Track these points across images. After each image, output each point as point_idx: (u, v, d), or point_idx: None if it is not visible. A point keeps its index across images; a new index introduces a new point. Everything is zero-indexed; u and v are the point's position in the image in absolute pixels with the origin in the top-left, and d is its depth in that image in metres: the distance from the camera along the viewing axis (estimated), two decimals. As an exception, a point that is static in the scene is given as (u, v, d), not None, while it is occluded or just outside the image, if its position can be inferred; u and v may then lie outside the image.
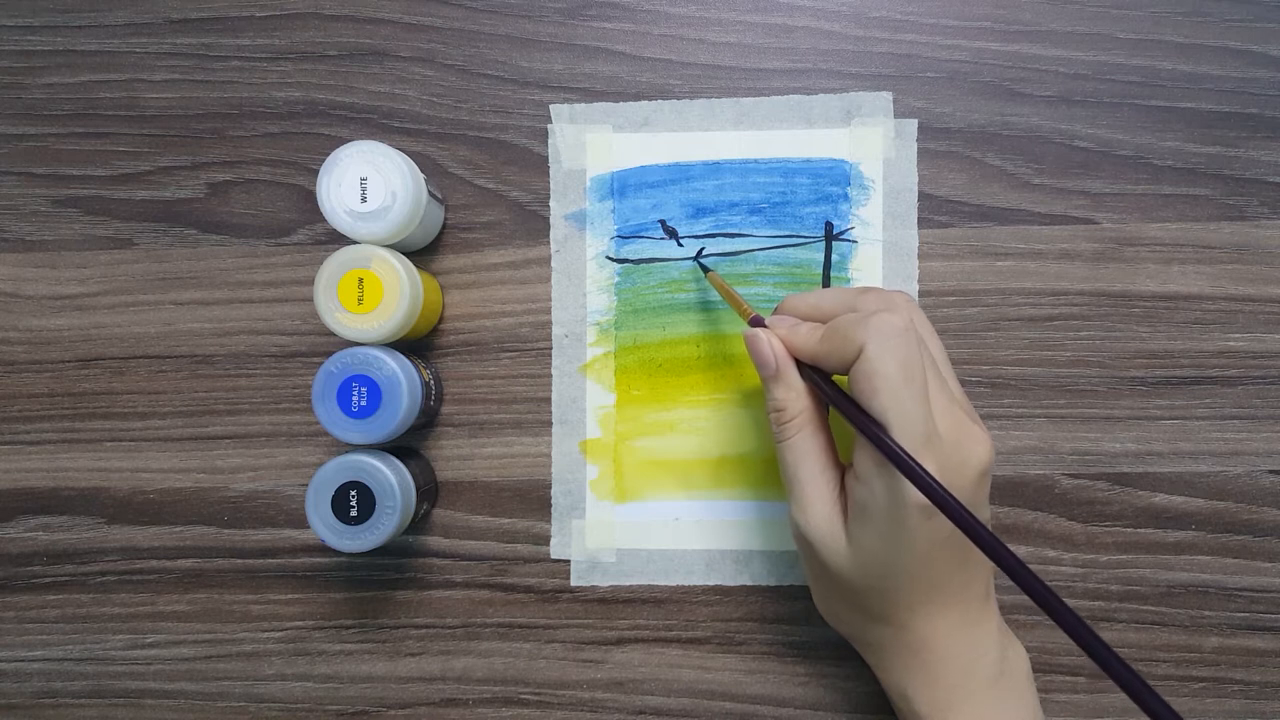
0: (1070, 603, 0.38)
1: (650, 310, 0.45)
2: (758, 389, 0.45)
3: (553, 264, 0.45)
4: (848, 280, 0.44)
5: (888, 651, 0.38)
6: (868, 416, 0.33)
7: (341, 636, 0.46)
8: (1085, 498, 0.44)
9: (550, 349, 0.45)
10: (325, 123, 0.46)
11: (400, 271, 0.40)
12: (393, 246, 0.42)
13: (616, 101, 0.45)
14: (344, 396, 0.40)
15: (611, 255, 0.45)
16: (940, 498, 0.31)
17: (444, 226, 0.46)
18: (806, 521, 0.36)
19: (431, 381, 0.43)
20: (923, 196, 0.44)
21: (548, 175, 0.45)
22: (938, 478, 0.32)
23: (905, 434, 0.32)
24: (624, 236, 0.45)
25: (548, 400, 0.45)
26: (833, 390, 0.35)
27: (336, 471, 0.40)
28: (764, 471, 0.45)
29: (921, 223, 0.44)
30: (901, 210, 0.44)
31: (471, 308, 0.45)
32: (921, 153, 0.44)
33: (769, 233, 0.45)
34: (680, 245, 0.45)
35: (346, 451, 0.41)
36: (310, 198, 0.46)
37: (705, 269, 0.44)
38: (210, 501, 0.46)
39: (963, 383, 0.44)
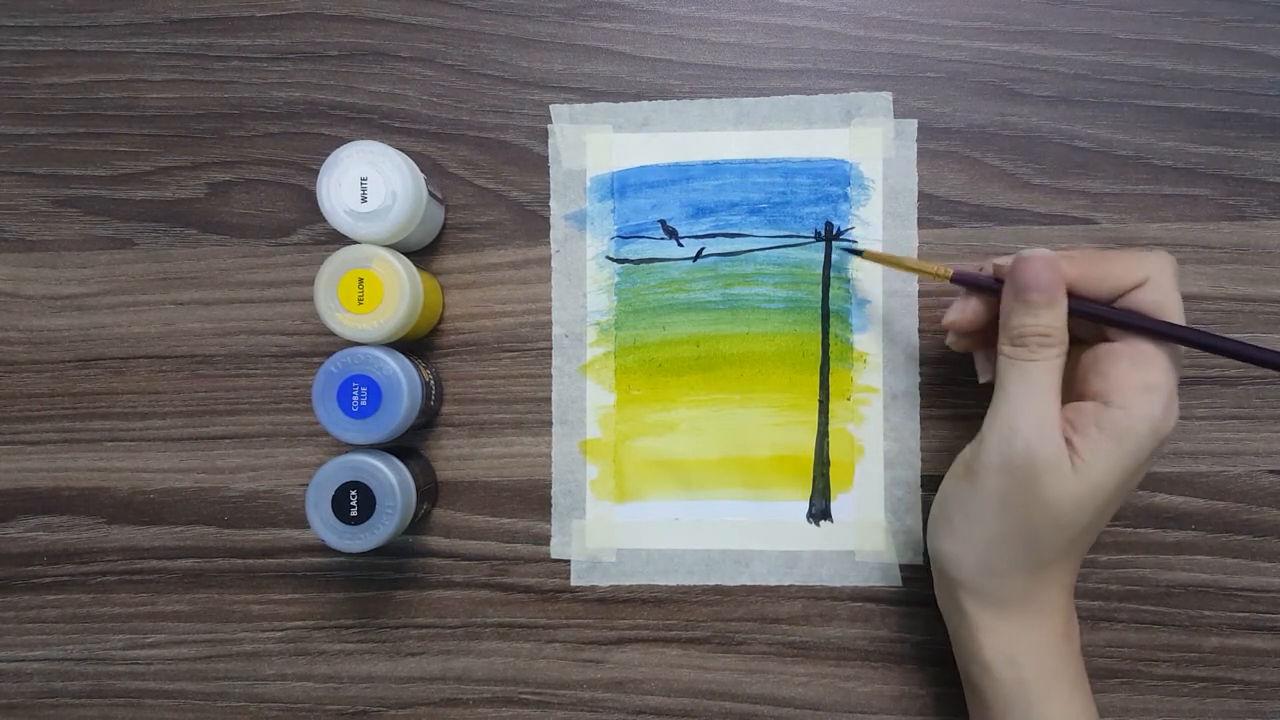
0: (1070, 603, 0.38)
1: (650, 310, 0.45)
2: (757, 389, 0.45)
3: (553, 264, 0.45)
4: (847, 280, 0.44)
5: (1014, 609, 0.37)
6: (1163, 324, 0.36)
7: (341, 636, 0.46)
8: (1085, 498, 0.44)
9: (550, 349, 0.45)
10: (325, 123, 0.46)
11: (400, 271, 0.40)
12: (393, 246, 0.42)
13: (616, 101, 0.45)
14: (344, 396, 0.40)
15: (611, 255, 0.45)
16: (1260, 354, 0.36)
17: (444, 226, 0.46)
18: (1038, 439, 0.35)
19: (431, 381, 0.43)
20: (923, 196, 0.44)
21: (548, 175, 0.45)
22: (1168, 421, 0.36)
23: (1177, 362, 0.37)
24: (624, 236, 0.45)
25: (548, 400, 0.45)
26: (1106, 307, 0.37)
27: (336, 471, 0.40)
28: (764, 471, 0.45)
29: (921, 223, 0.44)
30: (901, 210, 0.44)
31: (471, 308, 0.45)
32: (921, 153, 0.44)
33: (769, 233, 0.45)
34: (680, 245, 0.45)
35: (346, 451, 0.41)
36: (310, 198, 0.46)
37: (857, 252, 0.43)
38: (210, 501, 0.46)
39: (961, 383, 0.44)
